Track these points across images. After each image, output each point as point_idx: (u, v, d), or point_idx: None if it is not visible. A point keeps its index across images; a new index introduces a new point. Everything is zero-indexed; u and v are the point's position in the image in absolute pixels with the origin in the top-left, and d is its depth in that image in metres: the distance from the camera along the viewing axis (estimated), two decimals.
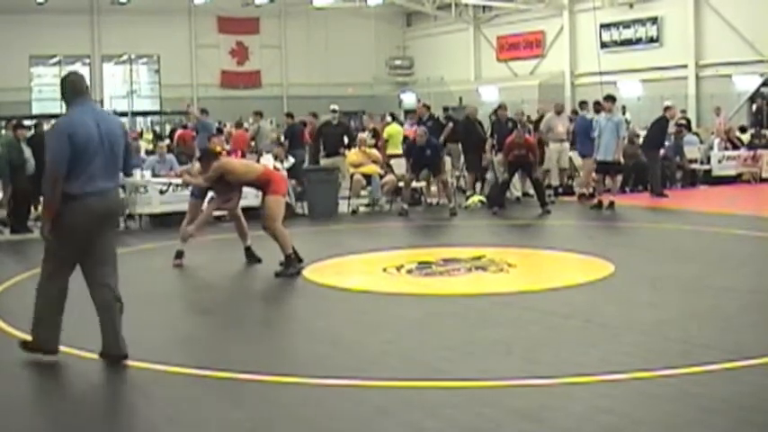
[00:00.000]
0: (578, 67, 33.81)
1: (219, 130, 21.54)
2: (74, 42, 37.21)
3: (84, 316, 7.90)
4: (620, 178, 15.80)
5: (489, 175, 16.46)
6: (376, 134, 19.40)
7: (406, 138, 17.27)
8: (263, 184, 9.68)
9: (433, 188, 15.95)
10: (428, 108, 17.91)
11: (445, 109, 19.46)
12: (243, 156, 15.48)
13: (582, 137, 16.20)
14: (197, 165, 10.29)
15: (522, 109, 18.52)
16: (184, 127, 27.22)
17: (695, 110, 28.99)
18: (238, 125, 22.92)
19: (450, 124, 17.44)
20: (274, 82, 40.93)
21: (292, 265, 9.39)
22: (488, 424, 4.81)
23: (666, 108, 17.54)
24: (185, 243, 10.45)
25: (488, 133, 16.89)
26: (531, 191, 15.41)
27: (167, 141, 16.98)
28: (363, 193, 15.68)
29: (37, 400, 5.60)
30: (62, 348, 6.60)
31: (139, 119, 38.24)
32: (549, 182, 16.77)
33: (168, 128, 30.23)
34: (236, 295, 9.26)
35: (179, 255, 10.36)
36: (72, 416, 5.30)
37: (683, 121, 21.20)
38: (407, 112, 28.08)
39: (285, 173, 15.29)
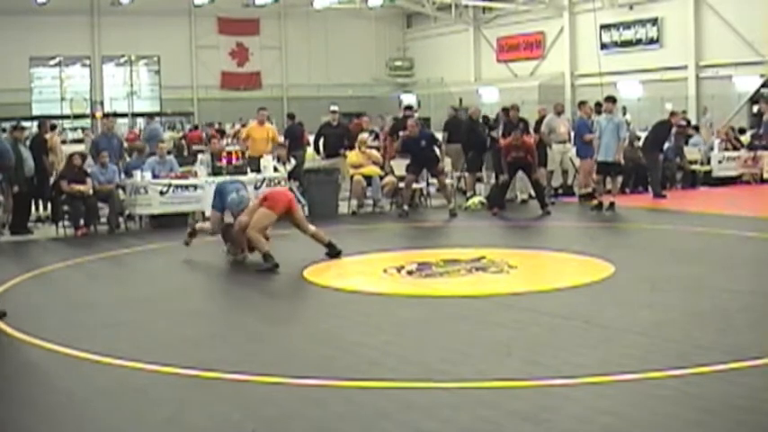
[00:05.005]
0: (578, 68, 33.82)
1: (222, 131, 21.54)
2: (74, 43, 37.24)
3: (83, 318, 7.93)
4: (620, 179, 15.80)
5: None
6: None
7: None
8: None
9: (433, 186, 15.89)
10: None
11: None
12: (244, 156, 15.45)
13: (581, 138, 16.19)
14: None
15: (477, 109, 18.21)
16: (195, 128, 27.53)
17: (695, 111, 28.99)
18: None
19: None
20: (274, 83, 40.93)
21: (269, 260, 9.85)
22: (488, 425, 4.81)
23: (672, 114, 17.52)
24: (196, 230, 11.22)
25: (500, 135, 16.80)
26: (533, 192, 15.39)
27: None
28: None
29: (35, 401, 5.60)
30: (60, 349, 6.61)
31: (140, 120, 38.24)
32: (552, 183, 16.72)
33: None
34: (237, 296, 9.26)
35: (192, 233, 11.09)
36: (71, 416, 5.30)
37: (683, 122, 21.18)
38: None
39: (286, 175, 15.33)
